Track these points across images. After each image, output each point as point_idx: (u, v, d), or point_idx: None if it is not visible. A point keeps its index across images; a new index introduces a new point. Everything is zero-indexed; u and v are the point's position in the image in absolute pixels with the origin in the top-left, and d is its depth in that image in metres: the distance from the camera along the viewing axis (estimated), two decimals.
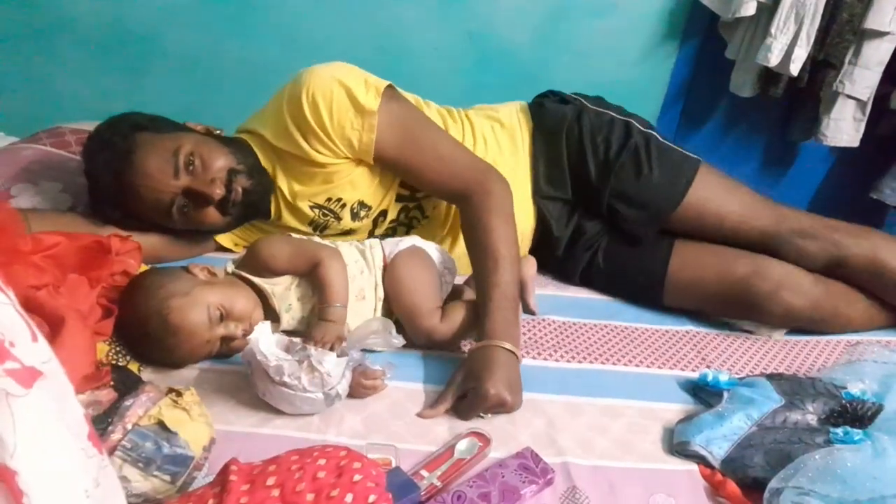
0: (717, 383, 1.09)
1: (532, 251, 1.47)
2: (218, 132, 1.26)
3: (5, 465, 0.39)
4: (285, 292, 1.11)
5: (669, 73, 2.10)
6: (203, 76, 1.94)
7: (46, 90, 1.92)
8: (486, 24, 1.98)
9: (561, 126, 1.41)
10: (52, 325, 0.87)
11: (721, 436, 0.97)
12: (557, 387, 1.11)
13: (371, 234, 1.37)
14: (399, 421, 1.00)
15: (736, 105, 2.14)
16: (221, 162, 1.17)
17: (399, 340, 1.11)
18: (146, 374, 1.01)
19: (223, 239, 1.35)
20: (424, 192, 1.34)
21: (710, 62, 2.08)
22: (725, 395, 1.06)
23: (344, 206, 1.30)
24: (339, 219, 1.31)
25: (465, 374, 1.03)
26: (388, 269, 1.18)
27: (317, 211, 1.30)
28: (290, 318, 1.11)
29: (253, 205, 1.22)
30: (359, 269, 1.17)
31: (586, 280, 1.48)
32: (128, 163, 1.13)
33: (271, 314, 1.11)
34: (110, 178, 1.14)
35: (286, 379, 0.92)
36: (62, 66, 1.87)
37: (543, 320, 1.32)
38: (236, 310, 1.04)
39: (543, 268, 1.50)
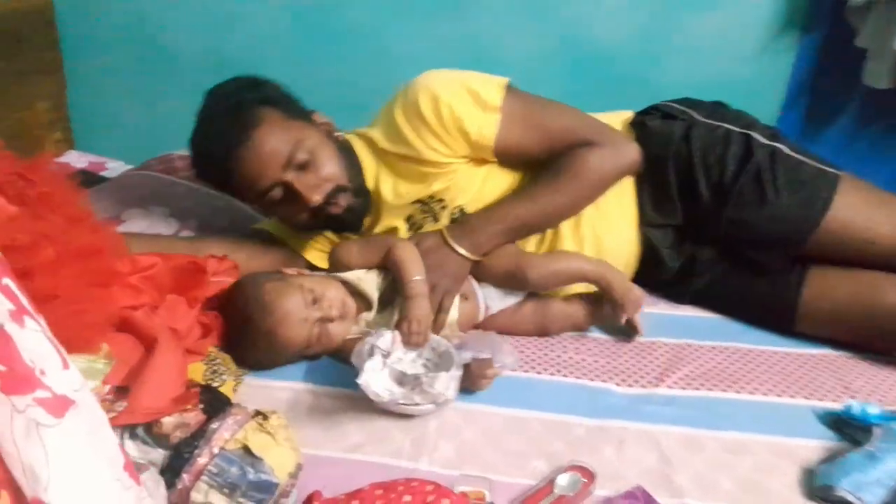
0: (865, 417, 0.94)
1: (638, 273, 1.35)
2: (338, 134, 1.23)
3: (39, 500, 0.37)
4: (374, 279, 1.13)
5: (790, 67, 1.91)
6: (299, 99, 1.97)
7: (158, 120, 2.03)
8: (581, 27, 1.89)
9: (666, 148, 1.26)
10: (145, 345, 0.88)
11: (874, 480, 0.83)
12: (672, 417, 1.00)
13: None
14: (494, 450, 0.93)
15: (870, 99, 1.91)
16: (333, 172, 1.14)
17: (511, 360, 1.06)
18: (243, 392, 1.00)
19: (315, 258, 1.34)
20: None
21: (837, 53, 1.87)
22: (877, 431, 0.91)
23: (445, 207, 1.25)
24: (436, 219, 1.26)
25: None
26: None
27: (417, 206, 1.26)
28: (380, 300, 1.12)
29: (342, 221, 1.19)
30: None
31: (698, 301, 1.33)
32: (246, 136, 1.08)
33: (363, 306, 1.12)
34: (223, 142, 1.09)
35: (401, 404, 0.95)
36: (170, 97, 1.97)
37: (653, 343, 1.21)
38: (328, 295, 1.06)
39: (650, 287, 1.38)
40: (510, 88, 1.19)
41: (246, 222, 1.42)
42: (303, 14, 1.92)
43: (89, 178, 1.68)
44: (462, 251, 1.14)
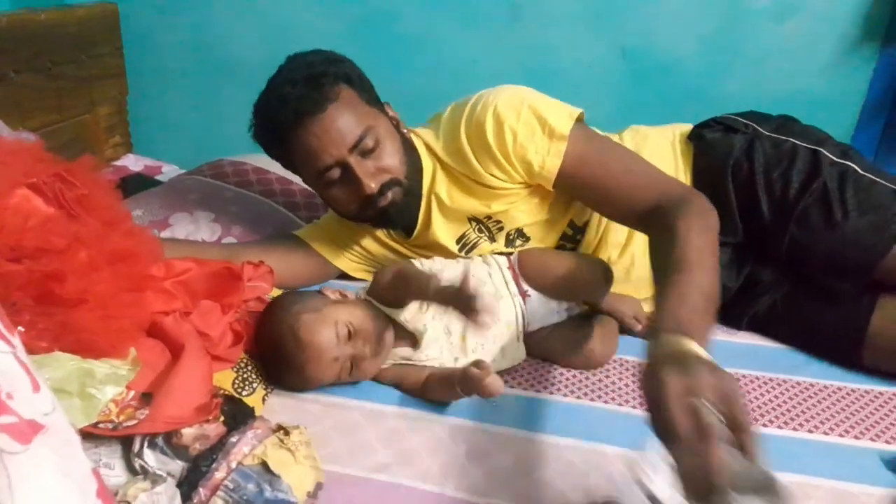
0: None
1: None
2: (405, 131, 1.20)
3: None
4: (418, 314, 1.07)
5: (867, 81, 1.79)
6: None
7: (214, 126, 2.06)
8: (643, 36, 1.82)
9: (725, 161, 1.19)
10: (173, 352, 0.87)
11: None
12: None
13: None
14: (526, 480, 0.88)
15: None
16: (393, 166, 1.11)
17: None
18: (272, 403, 0.99)
19: (349, 268, 1.32)
20: (611, 218, 1.18)
21: None
22: None
23: (502, 229, 1.20)
24: (492, 240, 1.22)
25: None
26: (526, 257, 1.16)
27: (473, 224, 1.21)
28: (428, 339, 1.07)
29: (387, 216, 1.16)
30: (486, 273, 1.14)
31: (756, 326, 1.25)
32: (321, 108, 1.05)
33: (404, 340, 1.07)
34: (296, 109, 1.06)
35: None
36: (227, 103, 1.99)
37: None
38: (365, 328, 1.01)
39: None
40: (581, 121, 1.12)
41: (288, 229, 1.42)
42: (359, 24, 1.93)
43: (144, 181, 1.72)
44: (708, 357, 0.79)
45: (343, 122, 1.06)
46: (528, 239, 1.22)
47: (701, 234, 0.93)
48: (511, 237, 1.21)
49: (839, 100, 1.81)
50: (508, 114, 1.08)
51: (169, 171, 1.86)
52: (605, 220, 1.22)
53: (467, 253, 1.24)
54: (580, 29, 1.85)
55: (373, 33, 1.93)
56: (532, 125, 1.09)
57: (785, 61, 1.80)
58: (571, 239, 1.24)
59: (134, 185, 1.63)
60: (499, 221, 1.19)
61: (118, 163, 1.89)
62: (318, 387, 1.02)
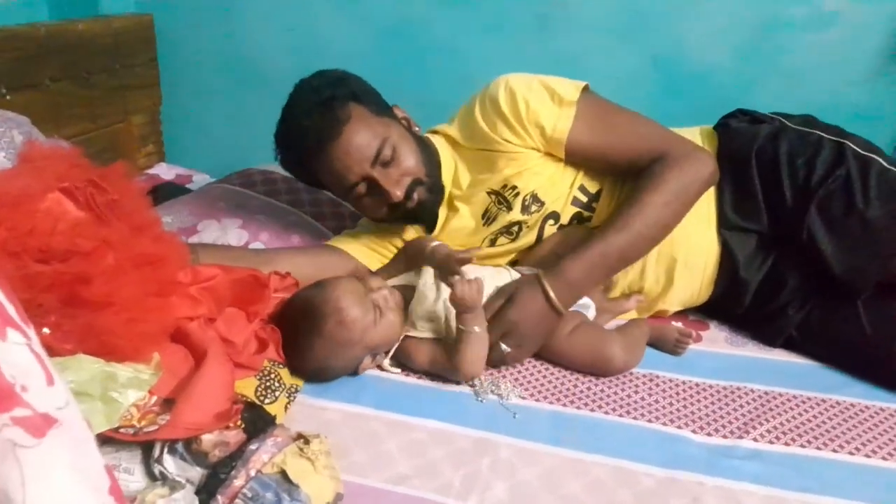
0: None
1: (716, 303, 1.26)
2: (416, 129, 1.26)
3: None
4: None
5: None
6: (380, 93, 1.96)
7: (245, 135, 2.08)
8: (675, 46, 1.79)
9: (750, 147, 1.20)
10: (196, 358, 0.87)
11: None
12: (756, 474, 0.89)
13: (538, 240, 1.27)
14: (551, 495, 0.85)
15: None
16: (413, 167, 1.17)
17: None
18: (293, 411, 0.98)
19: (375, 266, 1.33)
20: (617, 174, 1.22)
21: None
22: None
23: (517, 194, 1.22)
24: (509, 208, 1.24)
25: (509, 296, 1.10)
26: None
27: (492, 197, 1.25)
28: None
29: (415, 216, 1.22)
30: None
31: (792, 346, 1.21)
32: (337, 132, 1.12)
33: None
34: (315, 137, 1.13)
35: None
36: (258, 113, 2.01)
37: (739, 388, 1.09)
38: (382, 287, 1.10)
39: (734, 324, 1.28)
40: (587, 90, 1.19)
41: (315, 239, 1.42)
42: (387, 34, 1.93)
43: (174, 190, 1.75)
44: (558, 305, 1.08)
45: (359, 139, 1.12)
46: (542, 204, 1.23)
47: (660, 206, 1.10)
48: (527, 203, 1.23)
49: (881, 112, 1.75)
50: (520, 86, 1.16)
51: (200, 180, 1.88)
52: (617, 189, 1.23)
53: (489, 224, 1.26)
54: (610, 38, 1.83)
55: (401, 43, 1.94)
56: (542, 94, 1.16)
57: (822, 72, 1.75)
58: (586, 206, 1.25)
59: (165, 193, 1.65)
60: (514, 187, 1.22)
61: (151, 171, 1.92)
62: (356, 345, 1.02)
